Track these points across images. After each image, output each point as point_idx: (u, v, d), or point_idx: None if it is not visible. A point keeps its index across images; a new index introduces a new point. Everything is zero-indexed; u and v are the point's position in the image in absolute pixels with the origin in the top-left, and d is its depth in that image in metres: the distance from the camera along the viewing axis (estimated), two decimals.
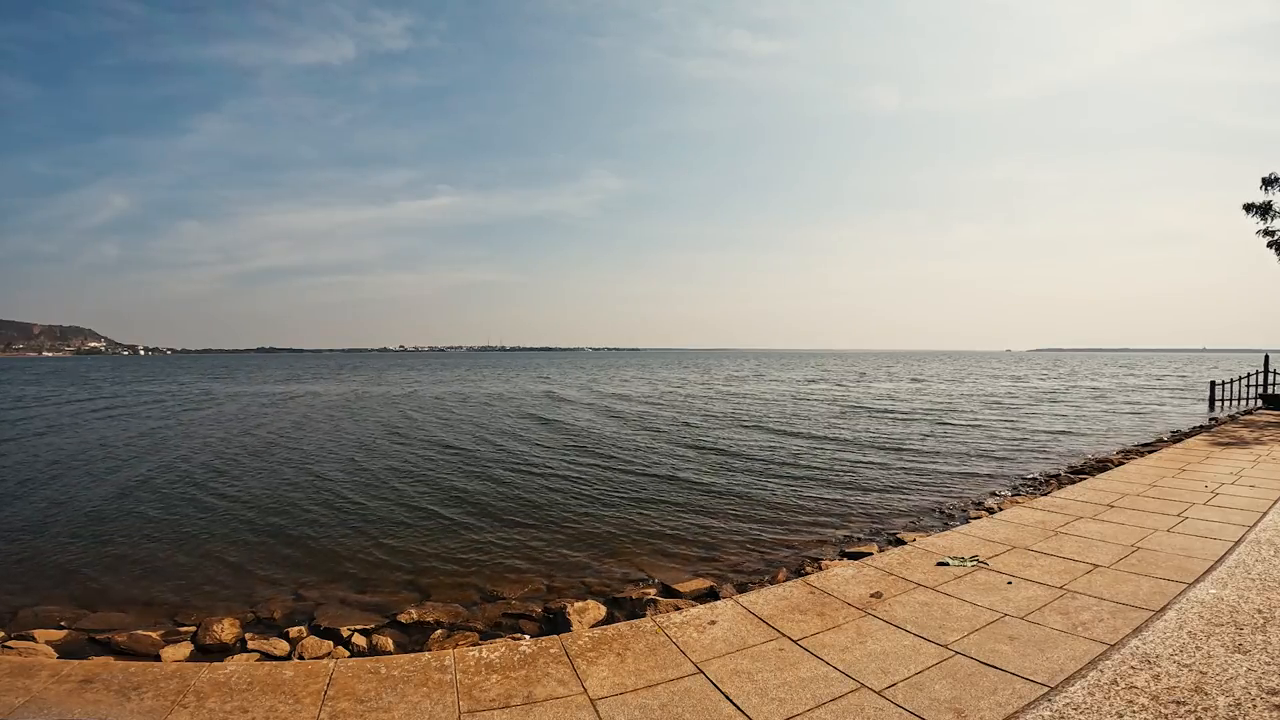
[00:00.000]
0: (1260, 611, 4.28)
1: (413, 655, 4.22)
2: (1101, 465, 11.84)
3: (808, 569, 6.50)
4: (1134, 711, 3.15)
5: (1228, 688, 3.32)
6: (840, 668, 3.81)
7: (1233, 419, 18.08)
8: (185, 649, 5.19)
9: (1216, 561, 5.41)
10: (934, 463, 13.52)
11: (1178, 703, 3.20)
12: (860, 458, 14.23)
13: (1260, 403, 22.23)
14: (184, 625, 5.71)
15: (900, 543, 7.07)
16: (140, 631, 5.52)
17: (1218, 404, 24.91)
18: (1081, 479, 10.01)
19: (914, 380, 48.29)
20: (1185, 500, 7.70)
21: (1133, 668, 3.60)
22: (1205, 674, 3.47)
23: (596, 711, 3.41)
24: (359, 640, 5.33)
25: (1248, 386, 23.83)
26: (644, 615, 5.30)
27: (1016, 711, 3.25)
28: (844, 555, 7.19)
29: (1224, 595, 4.62)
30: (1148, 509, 7.36)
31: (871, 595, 4.97)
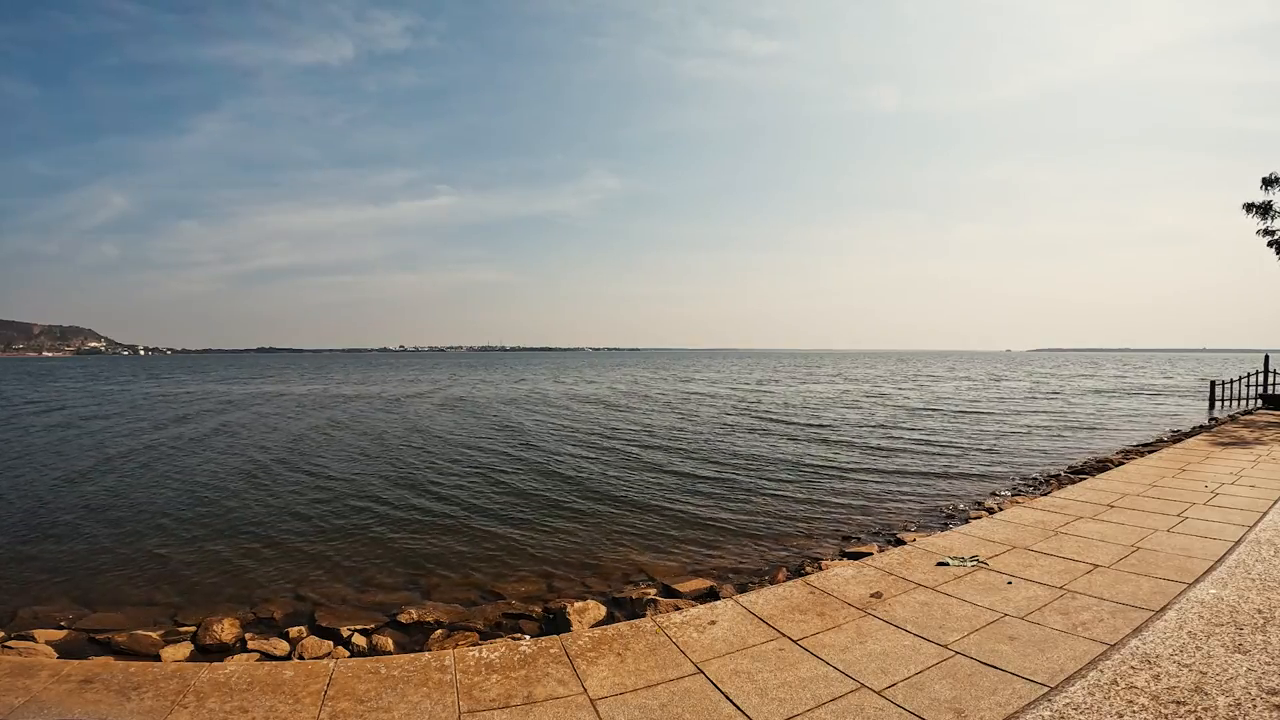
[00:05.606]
0: (1260, 611, 4.28)
1: (413, 655, 4.22)
2: (1101, 465, 11.84)
3: (808, 569, 6.50)
4: (1134, 711, 3.15)
5: (1228, 688, 3.32)
6: (840, 668, 3.81)
7: (1233, 419, 18.08)
8: (185, 649, 5.19)
9: (1216, 561, 5.40)
10: (934, 463, 13.51)
11: (1178, 703, 3.20)
12: (860, 459, 14.24)
13: (1260, 403, 22.24)
14: (184, 625, 5.71)
15: (900, 543, 7.07)
16: (140, 631, 5.52)
17: (1218, 404, 24.92)
18: (1081, 479, 10.01)
19: (915, 380, 48.31)
20: (1185, 500, 7.70)
21: (1133, 668, 3.60)
22: (1205, 674, 3.47)
23: (596, 711, 3.41)
24: (359, 640, 5.33)
25: (1248, 386, 23.84)
26: (644, 615, 5.30)
27: (1016, 711, 3.25)
28: (844, 555, 7.19)
29: (1224, 595, 4.62)
30: (1148, 509, 7.36)
31: (871, 595, 4.97)
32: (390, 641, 5.33)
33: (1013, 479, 11.78)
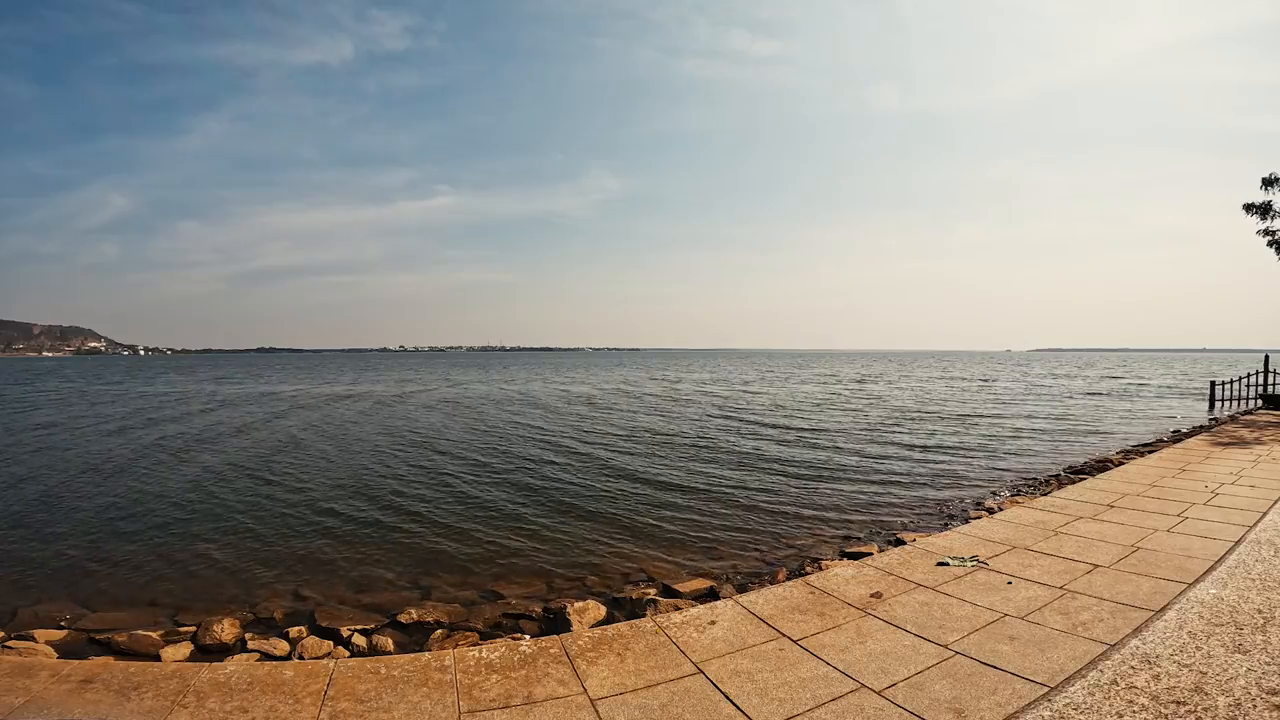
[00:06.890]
0: (1260, 611, 4.28)
1: (413, 655, 4.22)
2: (1101, 465, 11.84)
3: (808, 569, 6.50)
4: (1134, 711, 3.15)
5: (1228, 688, 3.32)
6: (840, 668, 3.81)
7: (1233, 419, 18.08)
8: (185, 649, 5.19)
9: (1217, 561, 5.40)
10: (933, 464, 13.52)
11: (1178, 703, 3.20)
12: (860, 460, 14.24)
13: (1260, 403, 22.24)
14: (184, 625, 5.71)
15: (900, 543, 7.07)
16: (140, 631, 5.52)
17: (1218, 404, 24.94)
18: (1081, 479, 10.01)
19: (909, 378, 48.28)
20: (1185, 500, 7.70)
21: (1133, 668, 3.60)
22: (1205, 674, 3.47)
23: (596, 711, 3.41)
24: (359, 640, 5.33)
25: (1248, 386, 23.85)
26: (644, 615, 5.30)
27: (1016, 711, 3.25)
28: (844, 555, 7.19)
29: (1224, 595, 4.62)
30: (1148, 509, 7.36)
31: (871, 595, 4.97)
32: (390, 641, 5.33)
33: (1012, 479, 11.78)
